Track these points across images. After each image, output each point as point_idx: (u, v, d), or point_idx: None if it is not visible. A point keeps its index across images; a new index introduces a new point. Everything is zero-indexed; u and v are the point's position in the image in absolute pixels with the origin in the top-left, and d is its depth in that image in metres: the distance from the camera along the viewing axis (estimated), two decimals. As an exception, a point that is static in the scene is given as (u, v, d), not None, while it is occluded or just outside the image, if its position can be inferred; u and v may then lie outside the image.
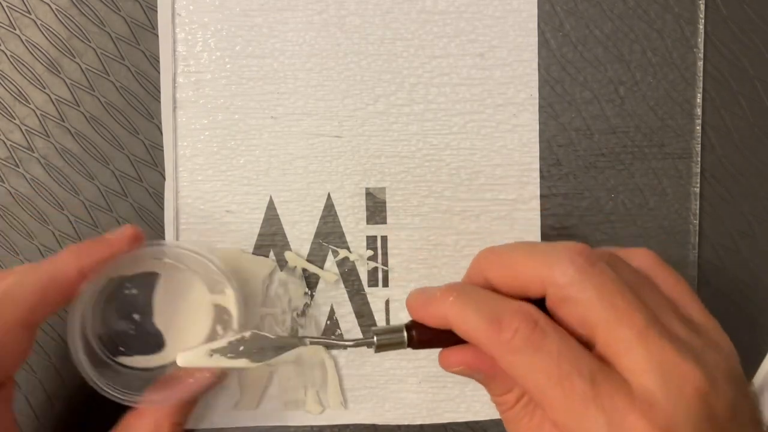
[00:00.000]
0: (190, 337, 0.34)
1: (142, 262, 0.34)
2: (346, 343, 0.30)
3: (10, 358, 0.30)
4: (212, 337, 0.34)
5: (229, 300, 0.33)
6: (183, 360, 0.29)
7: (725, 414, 0.23)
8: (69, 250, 0.31)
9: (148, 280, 0.34)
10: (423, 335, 0.28)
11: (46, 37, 0.37)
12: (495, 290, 0.27)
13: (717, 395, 0.23)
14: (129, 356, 0.33)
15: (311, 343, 0.31)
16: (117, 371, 0.33)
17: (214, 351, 0.29)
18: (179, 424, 0.33)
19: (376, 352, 0.28)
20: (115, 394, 0.31)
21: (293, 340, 0.30)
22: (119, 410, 0.32)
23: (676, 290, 0.26)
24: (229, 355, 0.29)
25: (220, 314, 0.34)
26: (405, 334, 0.28)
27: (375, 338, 0.28)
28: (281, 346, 0.30)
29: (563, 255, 0.25)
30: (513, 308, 0.25)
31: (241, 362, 0.29)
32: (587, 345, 0.25)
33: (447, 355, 0.28)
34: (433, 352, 0.37)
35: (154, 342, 0.34)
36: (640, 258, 0.27)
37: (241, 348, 0.29)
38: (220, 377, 0.33)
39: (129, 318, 0.34)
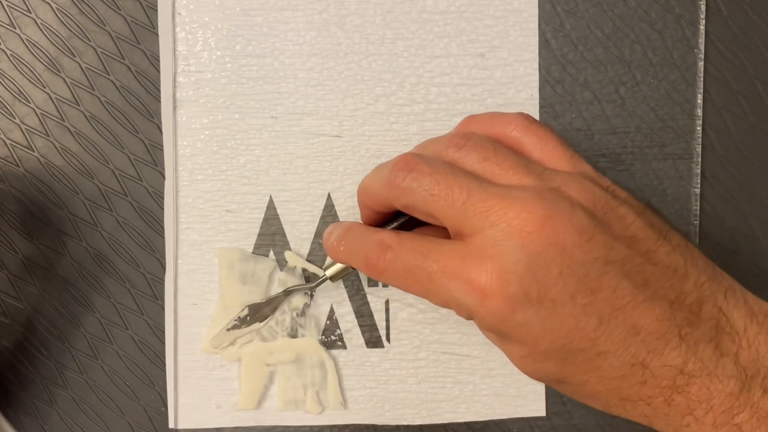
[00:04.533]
0: None
1: None
2: (308, 286, 0.36)
3: None
4: None
5: None
6: (214, 343, 0.36)
7: (574, 238, 0.25)
8: None
9: None
10: None
11: (46, 36, 0.37)
12: (376, 213, 0.31)
13: (559, 224, 0.25)
14: None
15: (290, 290, 0.36)
16: None
17: (229, 328, 0.36)
18: None
19: (332, 281, 0.34)
20: None
21: (279, 295, 0.36)
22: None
23: (542, 149, 0.28)
24: (243, 326, 0.36)
25: None
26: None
27: (326, 272, 0.34)
28: (274, 304, 0.36)
29: (389, 172, 0.28)
30: (373, 241, 0.29)
31: (254, 326, 0.36)
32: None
33: None
34: (432, 353, 0.37)
35: None
36: (511, 124, 0.29)
37: (248, 318, 0.36)
38: None
39: None
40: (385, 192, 0.29)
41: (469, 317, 0.27)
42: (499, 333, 0.26)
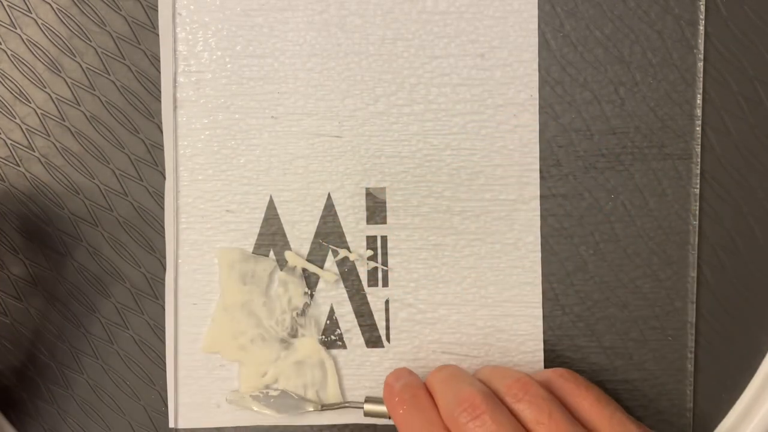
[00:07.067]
0: None
1: None
2: (358, 406, 0.35)
3: None
4: None
5: None
6: (231, 397, 0.36)
7: None
8: None
9: None
10: None
11: (47, 36, 0.37)
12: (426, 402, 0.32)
13: None
14: None
15: (323, 408, 0.36)
16: None
17: (253, 397, 0.36)
18: None
19: (365, 415, 0.35)
20: None
21: (312, 403, 0.36)
22: None
23: (588, 409, 0.30)
24: (262, 402, 0.36)
25: None
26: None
27: (365, 405, 0.35)
28: (299, 406, 0.36)
29: (454, 405, 0.30)
30: None
31: (269, 411, 0.36)
32: None
33: None
34: (432, 353, 0.37)
35: None
36: (555, 381, 0.31)
37: (271, 400, 0.36)
38: None
39: None
40: (443, 413, 0.30)
41: None
42: None
